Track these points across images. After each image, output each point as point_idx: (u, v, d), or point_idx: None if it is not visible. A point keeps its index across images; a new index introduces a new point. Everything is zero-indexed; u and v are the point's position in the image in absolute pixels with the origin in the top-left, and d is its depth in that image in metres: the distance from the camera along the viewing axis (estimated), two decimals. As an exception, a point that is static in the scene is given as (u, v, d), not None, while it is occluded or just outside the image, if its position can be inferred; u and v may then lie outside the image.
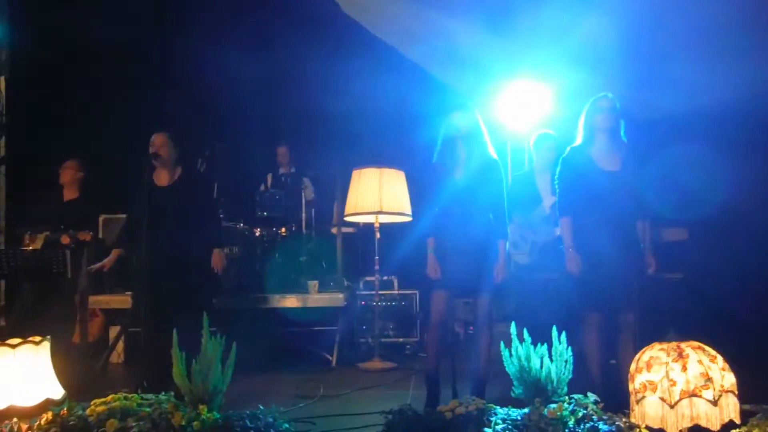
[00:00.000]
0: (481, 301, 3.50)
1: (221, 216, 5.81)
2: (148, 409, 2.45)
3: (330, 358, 5.21)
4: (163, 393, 2.58)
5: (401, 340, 5.78)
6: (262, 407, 2.60)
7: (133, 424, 2.34)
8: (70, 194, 5.54)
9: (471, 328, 5.28)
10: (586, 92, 3.75)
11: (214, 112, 6.78)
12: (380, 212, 5.08)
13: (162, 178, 4.19)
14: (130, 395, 2.55)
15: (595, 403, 2.55)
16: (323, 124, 6.44)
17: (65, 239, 5.24)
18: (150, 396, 2.56)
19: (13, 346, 2.57)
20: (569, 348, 2.73)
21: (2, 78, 6.07)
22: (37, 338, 2.61)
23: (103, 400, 2.50)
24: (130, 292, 5.21)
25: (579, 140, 3.55)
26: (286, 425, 2.55)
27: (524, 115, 5.72)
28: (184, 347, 2.63)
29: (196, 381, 2.51)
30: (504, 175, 3.62)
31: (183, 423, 2.36)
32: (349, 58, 6.21)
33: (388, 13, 5.91)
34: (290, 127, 6.76)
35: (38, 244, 5.34)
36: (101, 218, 5.91)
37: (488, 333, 3.50)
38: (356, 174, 5.28)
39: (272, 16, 6.49)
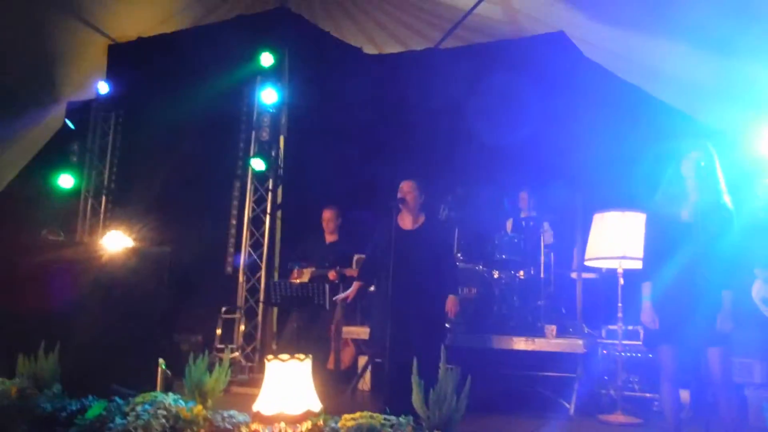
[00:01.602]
0: (711, 357, 3.20)
1: (461, 258, 6.09)
2: (389, 429, 2.68)
3: (568, 405, 5.07)
4: (403, 416, 2.80)
5: (648, 395, 5.38)
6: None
7: (377, 440, 2.59)
8: (331, 237, 6.29)
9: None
10: None
11: (458, 159, 7.17)
12: (623, 257, 4.88)
13: (406, 222, 4.57)
14: (375, 415, 2.82)
15: None
16: (565, 168, 6.41)
17: (332, 275, 5.94)
18: (392, 417, 2.80)
19: (284, 361, 3.03)
20: None
21: (282, 137, 7.16)
22: (302, 356, 3.04)
23: (352, 416, 2.80)
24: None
25: None
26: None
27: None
28: (423, 377, 2.85)
29: (432, 408, 2.69)
30: (737, 225, 3.30)
31: (420, 445, 2.54)
32: (590, 100, 6.15)
33: (630, 52, 5.76)
34: (532, 171, 6.83)
35: (305, 278, 6.14)
36: (355, 257, 6.53)
37: (727, 392, 3.18)
38: (598, 217, 5.15)
39: (512, 67, 6.70)
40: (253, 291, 7.17)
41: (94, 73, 8.12)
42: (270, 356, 3.07)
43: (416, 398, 2.73)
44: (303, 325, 6.01)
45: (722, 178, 3.37)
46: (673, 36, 5.44)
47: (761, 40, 4.82)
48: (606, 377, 5.46)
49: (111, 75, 8.05)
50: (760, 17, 4.75)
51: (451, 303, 4.42)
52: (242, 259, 6.64)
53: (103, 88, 8.00)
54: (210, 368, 3.59)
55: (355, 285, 5.01)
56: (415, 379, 2.76)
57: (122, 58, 7.96)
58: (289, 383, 3.02)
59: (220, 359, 6.62)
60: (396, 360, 4.00)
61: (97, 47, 8.06)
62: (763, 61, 4.94)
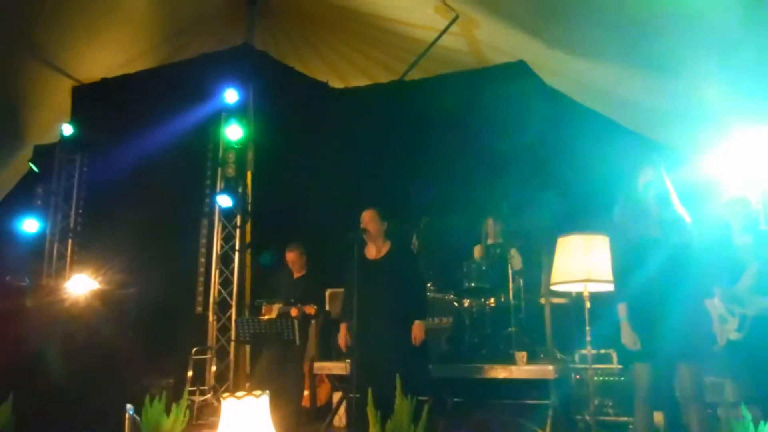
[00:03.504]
0: (682, 374, 3.19)
1: (431, 287, 6.05)
2: (347, 464, 2.62)
3: (542, 433, 5.00)
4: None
5: (624, 419, 5.33)
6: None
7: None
8: (298, 272, 6.23)
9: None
10: None
11: (424, 189, 7.19)
12: (588, 281, 4.87)
13: (371, 251, 4.54)
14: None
15: None
16: (529, 194, 6.45)
17: (294, 311, 5.85)
18: (351, 452, 2.74)
19: (239, 398, 2.96)
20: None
21: (249, 172, 7.14)
22: (258, 392, 2.97)
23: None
24: (347, 360, 5.60)
25: None
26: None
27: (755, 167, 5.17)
28: (381, 408, 2.79)
29: (390, 440, 2.64)
30: (696, 235, 3.33)
31: (376, 479, 2.48)
32: (552, 126, 6.24)
33: (588, 79, 5.88)
34: (496, 199, 6.87)
35: (273, 314, 6.06)
36: (327, 292, 6.45)
37: (698, 408, 3.16)
38: (561, 241, 5.15)
39: (474, 96, 6.78)
40: (224, 330, 7.05)
41: (59, 115, 8.08)
42: (225, 394, 3.00)
43: (372, 430, 2.68)
44: (275, 362, 5.91)
45: (673, 191, 3.41)
46: (628, 61, 5.57)
47: (708, 63, 4.95)
48: (580, 402, 5.41)
49: (75, 116, 8.02)
50: (709, 43, 4.89)
51: (416, 329, 4.35)
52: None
53: (67, 129, 7.95)
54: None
55: (343, 327, 4.87)
56: (370, 410, 2.71)
57: (86, 99, 7.94)
58: (246, 421, 2.95)
59: (192, 401, 6.52)
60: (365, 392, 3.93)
61: (62, 89, 8.05)
62: (709, 82, 5.07)
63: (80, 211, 7.98)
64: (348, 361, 5.47)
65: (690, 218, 3.41)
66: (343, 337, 4.76)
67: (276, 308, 5.96)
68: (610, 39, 5.50)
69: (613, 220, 3.59)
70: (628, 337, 3.34)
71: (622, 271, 3.50)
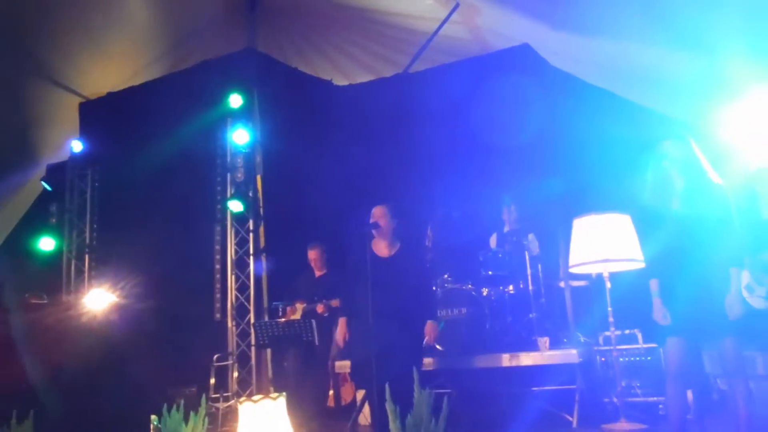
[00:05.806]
0: (726, 348, 3.09)
1: (449, 278, 5.98)
2: (368, 461, 2.57)
3: (570, 418, 4.92)
4: (382, 446, 2.69)
5: (652, 399, 5.24)
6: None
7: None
8: (319, 270, 6.24)
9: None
10: None
11: (437, 181, 7.11)
12: (606, 260, 4.77)
13: (382, 249, 4.47)
14: (353, 448, 2.70)
15: None
16: (543, 177, 6.35)
17: (320, 308, 5.88)
18: (372, 448, 2.69)
19: (256, 402, 2.92)
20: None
21: (258, 176, 7.11)
22: (275, 394, 2.93)
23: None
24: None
25: None
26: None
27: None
28: (407, 403, 2.74)
29: (410, 434, 2.58)
30: (731, 201, 3.24)
31: (399, 474, 2.42)
32: (561, 108, 6.13)
33: (595, 57, 5.76)
34: (511, 184, 6.78)
35: (298, 315, 6.06)
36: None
37: (742, 384, 3.06)
38: (578, 223, 5.07)
39: (481, 84, 6.68)
40: (243, 335, 7.02)
41: (68, 132, 8.12)
42: (242, 399, 2.96)
43: (392, 425, 2.62)
44: (299, 363, 5.90)
45: (704, 159, 3.33)
46: (636, 36, 5.45)
47: (727, 31, 4.81)
48: (607, 385, 5.32)
49: (84, 132, 8.06)
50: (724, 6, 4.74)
51: (429, 328, 4.39)
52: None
53: (76, 146, 7.99)
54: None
55: (342, 321, 4.85)
56: (389, 406, 2.65)
57: (93, 115, 7.97)
58: (264, 424, 2.91)
59: (216, 408, 6.51)
60: (382, 389, 3.88)
61: (69, 106, 8.09)
62: (728, 50, 4.93)
63: (95, 226, 8.01)
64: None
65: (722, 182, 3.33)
66: (341, 332, 4.69)
67: (300, 308, 5.97)
68: (611, 13, 5.37)
69: (641, 195, 3.51)
70: (659, 313, 3.27)
71: (650, 247, 3.43)
